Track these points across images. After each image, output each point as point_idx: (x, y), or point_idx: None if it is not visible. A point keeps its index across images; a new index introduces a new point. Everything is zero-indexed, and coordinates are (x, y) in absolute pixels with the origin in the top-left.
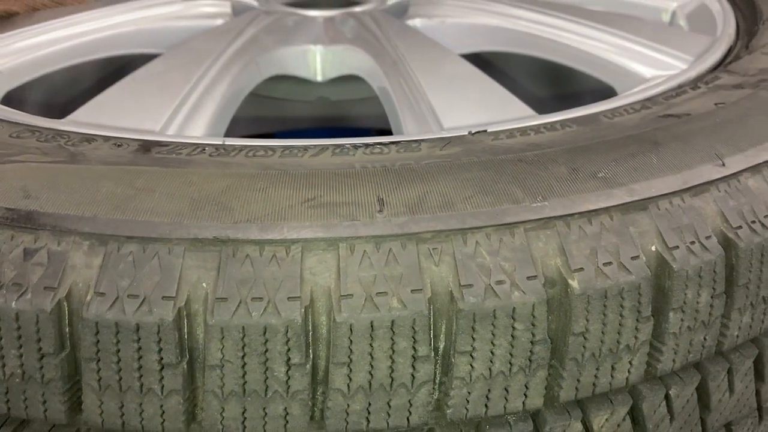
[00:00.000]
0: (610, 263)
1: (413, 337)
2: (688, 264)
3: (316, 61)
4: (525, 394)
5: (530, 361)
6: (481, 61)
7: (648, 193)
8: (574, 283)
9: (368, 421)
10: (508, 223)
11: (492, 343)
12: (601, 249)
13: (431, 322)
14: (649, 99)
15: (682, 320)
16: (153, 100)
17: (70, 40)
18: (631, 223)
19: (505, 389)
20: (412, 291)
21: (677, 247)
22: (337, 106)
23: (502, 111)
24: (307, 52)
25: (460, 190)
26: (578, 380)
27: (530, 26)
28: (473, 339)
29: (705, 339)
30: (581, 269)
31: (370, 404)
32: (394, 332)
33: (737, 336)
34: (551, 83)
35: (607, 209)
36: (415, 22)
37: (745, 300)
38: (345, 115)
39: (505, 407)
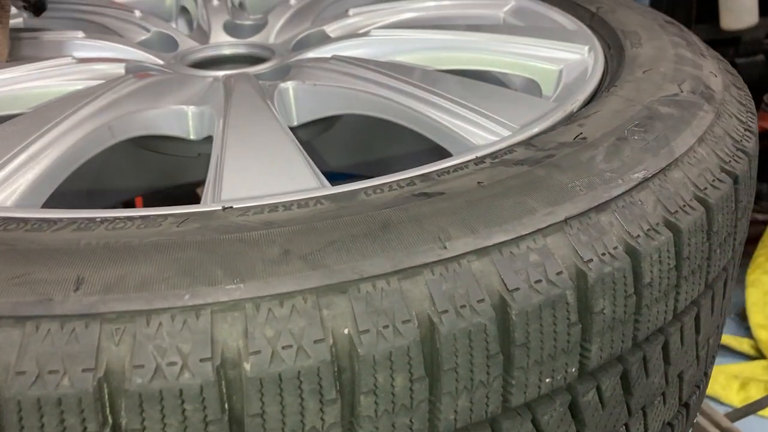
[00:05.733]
0: (290, 346)
1: (81, 415)
2: (376, 348)
3: (189, 120)
4: None
5: None
6: None
7: (350, 276)
8: (247, 366)
9: None
10: (195, 305)
11: (163, 422)
12: (285, 332)
13: (106, 401)
14: (421, 175)
15: (376, 403)
16: None
17: None
18: (326, 305)
19: None
20: (83, 370)
21: (368, 330)
22: None
23: (287, 183)
24: (179, 113)
25: (163, 270)
26: None
27: (387, 93)
28: (142, 418)
29: (411, 422)
30: (258, 352)
31: None
32: (62, 410)
33: (455, 420)
34: None
35: (302, 291)
36: (289, 85)
37: (456, 384)
38: None
39: None
